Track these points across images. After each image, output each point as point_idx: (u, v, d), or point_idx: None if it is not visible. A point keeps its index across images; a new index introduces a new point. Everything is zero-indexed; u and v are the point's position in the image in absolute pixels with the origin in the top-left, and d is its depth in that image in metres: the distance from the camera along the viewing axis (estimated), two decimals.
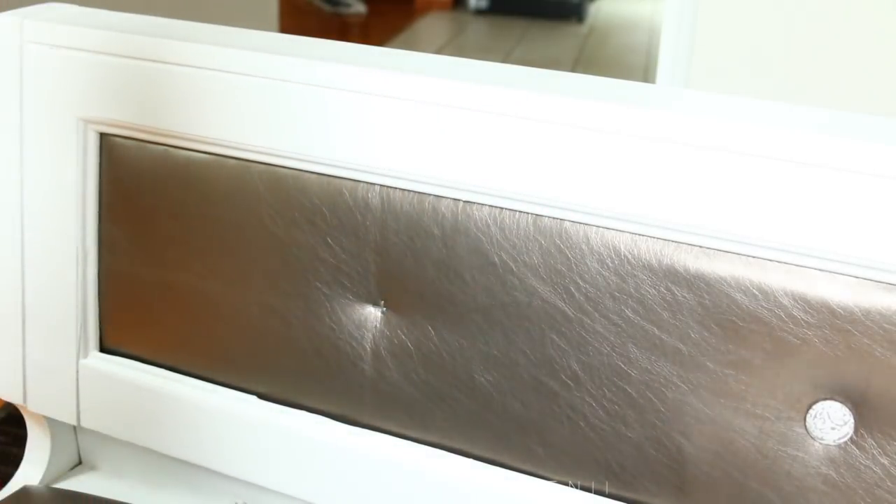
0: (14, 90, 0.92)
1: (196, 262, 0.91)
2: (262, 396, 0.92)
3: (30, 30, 0.90)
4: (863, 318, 0.71)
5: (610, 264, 0.77)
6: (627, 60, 4.39)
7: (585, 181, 0.75)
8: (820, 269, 0.72)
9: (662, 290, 0.76)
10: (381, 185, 0.83)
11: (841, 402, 0.73)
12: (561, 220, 0.78)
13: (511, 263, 0.80)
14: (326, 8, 4.94)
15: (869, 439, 0.73)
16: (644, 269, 0.76)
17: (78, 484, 1.02)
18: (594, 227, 0.77)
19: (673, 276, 0.76)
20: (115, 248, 0.94)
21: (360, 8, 4.97)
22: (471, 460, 0.85)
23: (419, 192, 0.82)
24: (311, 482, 0.90)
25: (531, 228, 0.79)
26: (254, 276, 0.89)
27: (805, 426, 0.74)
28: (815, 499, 0.75)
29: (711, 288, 0.75)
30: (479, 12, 5.14)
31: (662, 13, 1.81)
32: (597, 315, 0.78)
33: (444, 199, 0.81)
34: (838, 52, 1.65)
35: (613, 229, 0.77)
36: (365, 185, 0.84)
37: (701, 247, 0.75)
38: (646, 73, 4.05)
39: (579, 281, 0.78)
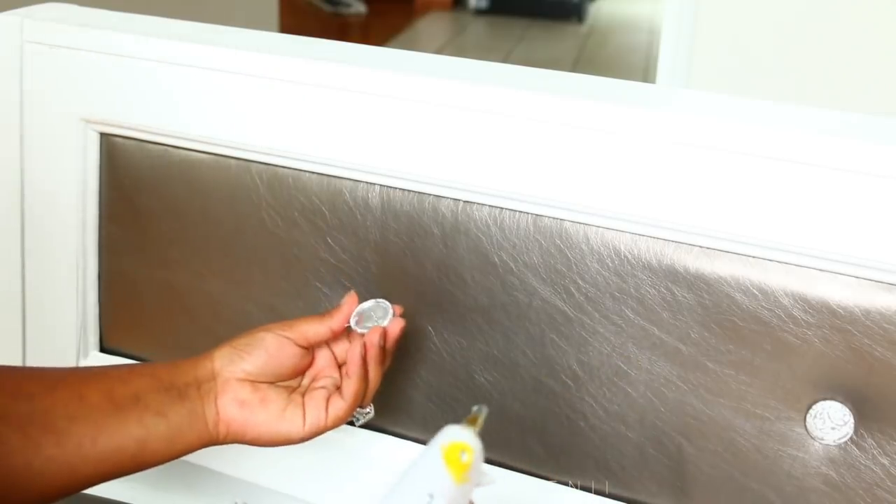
0: (14, 90, 0.92)
1: (196, 262, 0.91)
2: None
3: (30, 30, 0.90)
4: (863, 318, 0.71)
5: (610, 264, 0.77)
6: (627, 60, 4.39)
7: (585, 181, 0.75)
8: (820, 269, 0.72)
9: (662, 290, 0.76)
10: (381, 185, 0.83)
11: (841, 402, 0.73)
12: (561, 220, 0.78)
13: (511, 263, 0.80)
14: (326, 8, 4.94)
15: (869, 439, 0.73)
16: (644, 269, 0.76)
17: None
18: (594, 227, 0.77)
19: (673, 276, 0.76)
20: (115, 248, 0.94)
21: (360, 8, 4.97)
22: None
23: (419, 192, 0.82)
24: (311, 482, 0.90)
25: (531, 228, 0.79)
26: (254, 276, 0.89)
27: (805, 426, 0.74)
28: (815, 499, 0.75)
29: (711, 288, 0.75)
30: (479, 12, 5.13)
31: (662, 13, 1.81)
32: (597, 315, 0.78)
33: (444, 199, 0.81)
34: (838, 52, 1.65)
35: (613, 229, 0.77)
36: (365, 185, 0.84)
37: (701, 247, 0.75)
38: (646, 73, 4.05)
39: (579, 281, 0.78)
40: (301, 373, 0.75)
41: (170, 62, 0.86)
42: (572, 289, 0.79)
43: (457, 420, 0.86)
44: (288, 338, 0.72)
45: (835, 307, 0.72)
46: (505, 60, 4.13)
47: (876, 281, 0.71)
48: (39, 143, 0.92)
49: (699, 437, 0.77)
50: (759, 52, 1.69)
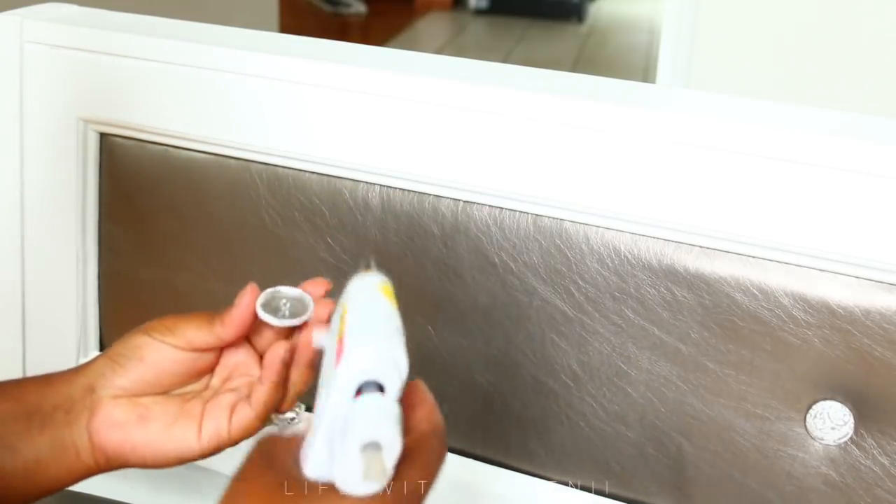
0: (14, 90, 0.92)
1: (196, 261, 0.91)
2: None
3: (30, 30, 0.90)
4: (863, 318, 0.71)
5: (610, 264, 0.77)
6: (627, 60, 4.39)
7: (585, 181, 0.75)
8: (820, 269, 0.72)
9: (662, 290, 0.76)
10: (381, 185, 0.83)
11: (841, 402, 0.73)
12: (561, 220, 0.78)
13: (511, 263, 0.80)
14: (326, 8, 4.94)
15: (869, 439, 0.73)
16: (644, 269, 0.76)
17: (78, 484, 1.01)
18: (594, 227, 0.77)
19: (673, 276, 0.76)
20: (115, 248, 0.94)
21: (360, 8, 4.97)
22: (471, 460, 0.85)
23: (419, 192, 0.82)
24: None
25: (531, 228, 0.79)
26: (254, 276, 0.89)
27: (805, 426, 0.74)
28: (815, 499, 0.75)
29: (711, 288, 0.75)
30: (479, 12, 5.13)
31: (662, 13, 1.81)
32: (597, 315, 0.78)
33: (444, 199, 0.81)
34: (838, 52, 1.65)
35: (613, 229, 0.77)
36: (365, 185, 0.84)
37: (701, 247, 0.75)
38: (646, 73, 4.06)
39: (579, 281, 0.78)
40: (200, 377, 0.62)
41: (170, 62, 0.86)
42: (572, 289, 0.79)
43: (456, 419, 0.86)
44: (169, 343, 0.61)
45: (835, 307, 0.72)
46: (505, 60, 4.13)
47: (876, 281, 0.71)
48: (39, 142, 0.92)
49: (699, 437, 0.77)
50: (759, 52, 1.69)
